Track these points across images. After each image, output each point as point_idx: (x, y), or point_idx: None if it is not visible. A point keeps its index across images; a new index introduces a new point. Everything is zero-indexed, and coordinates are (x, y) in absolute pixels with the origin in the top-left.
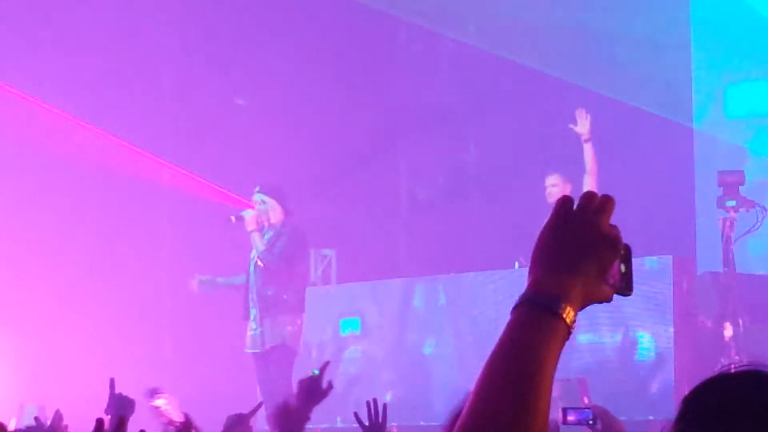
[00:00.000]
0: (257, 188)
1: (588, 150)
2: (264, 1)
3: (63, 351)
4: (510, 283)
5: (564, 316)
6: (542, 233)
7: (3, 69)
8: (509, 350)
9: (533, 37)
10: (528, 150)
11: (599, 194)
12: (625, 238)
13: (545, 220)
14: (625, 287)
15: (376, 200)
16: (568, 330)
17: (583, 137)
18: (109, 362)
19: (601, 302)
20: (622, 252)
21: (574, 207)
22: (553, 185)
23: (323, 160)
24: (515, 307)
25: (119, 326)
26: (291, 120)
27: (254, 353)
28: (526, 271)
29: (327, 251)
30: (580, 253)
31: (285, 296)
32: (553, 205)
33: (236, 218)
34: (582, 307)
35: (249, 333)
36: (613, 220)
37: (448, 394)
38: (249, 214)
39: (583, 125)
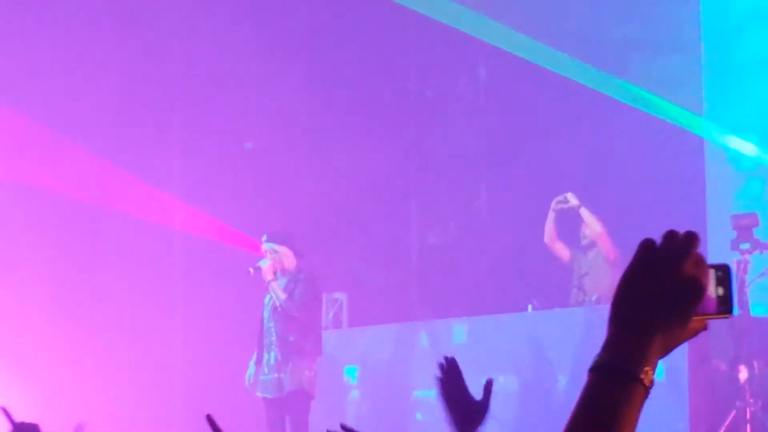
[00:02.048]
0: (264, 238)
1: (584, 213)
2: (275, 45)
3: (70, 396)
4: (523, 326)
5: (643, 378)
6: (623, 280)
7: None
8: (589, 418)
9: (546, 80)
10: (539, 195)
11: (683, 233)
12: None
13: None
14: (723, 311)
15: (388, 244)
16: (647, 391)
17: (577, 207)
18: (115, 395)
19: (683, 342)
20: (720, 273)
21: (657, 250)
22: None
23: (336, 204)
24: (593, 369)
25: (125, 364)
26: (302, 164)
27: (268, 398)
28: (539, 315)
29: (338, 295)
30: (661, 306)
31: (304, 341)
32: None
33: (254, 269)
34: (663, 357)
35: (260, 377)
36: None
37: None
38: (266, 264)
39: (572, 199)
